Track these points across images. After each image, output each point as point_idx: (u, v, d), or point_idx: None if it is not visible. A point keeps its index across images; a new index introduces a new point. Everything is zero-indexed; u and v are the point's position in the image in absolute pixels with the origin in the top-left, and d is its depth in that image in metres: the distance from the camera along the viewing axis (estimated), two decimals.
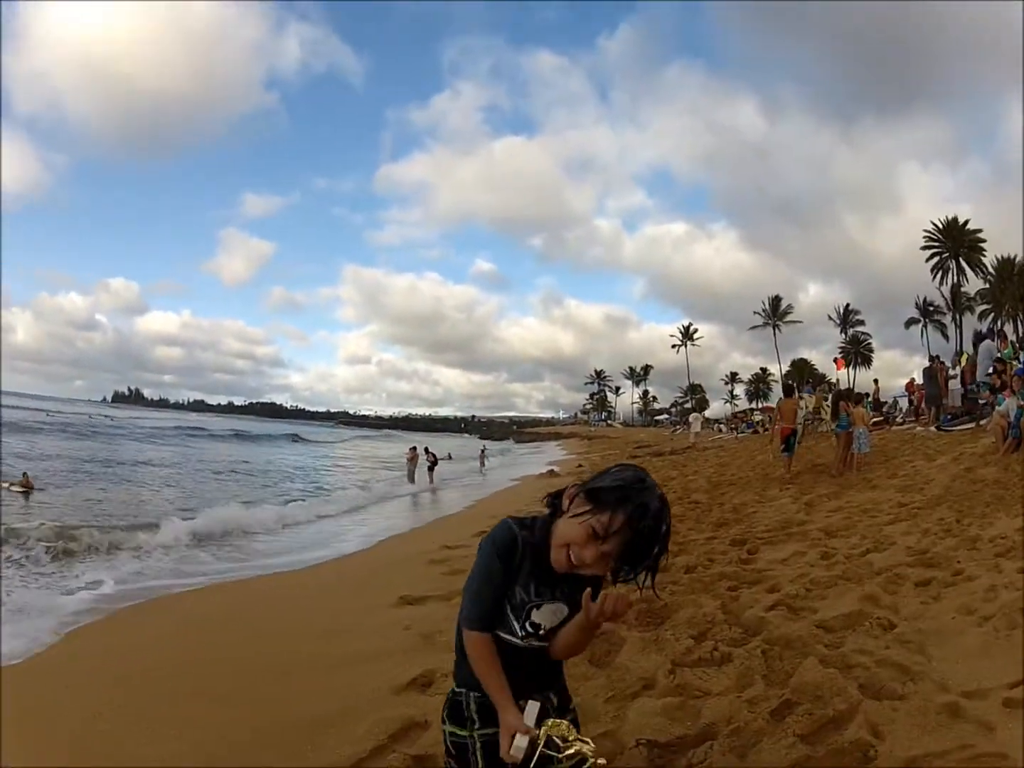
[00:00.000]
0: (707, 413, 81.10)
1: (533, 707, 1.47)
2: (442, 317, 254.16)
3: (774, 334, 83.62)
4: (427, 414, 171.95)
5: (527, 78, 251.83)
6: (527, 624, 1.54)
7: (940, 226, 57.22)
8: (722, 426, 43.99)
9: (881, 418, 20.69)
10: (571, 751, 1.41)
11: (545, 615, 1.54)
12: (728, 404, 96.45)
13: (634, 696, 3.05)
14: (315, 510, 11.94)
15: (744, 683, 3.17)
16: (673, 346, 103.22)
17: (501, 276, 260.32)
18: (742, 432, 32.80)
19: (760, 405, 61.56)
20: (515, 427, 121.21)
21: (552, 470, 20.56)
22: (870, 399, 20.46)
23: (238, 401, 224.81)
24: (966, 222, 56.70)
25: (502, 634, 1.55)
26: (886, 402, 25.46)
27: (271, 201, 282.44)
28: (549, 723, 1.42)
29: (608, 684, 3.21)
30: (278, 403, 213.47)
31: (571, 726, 1.44)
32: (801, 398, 14.27)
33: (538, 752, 1.39)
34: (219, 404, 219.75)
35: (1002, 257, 52.92)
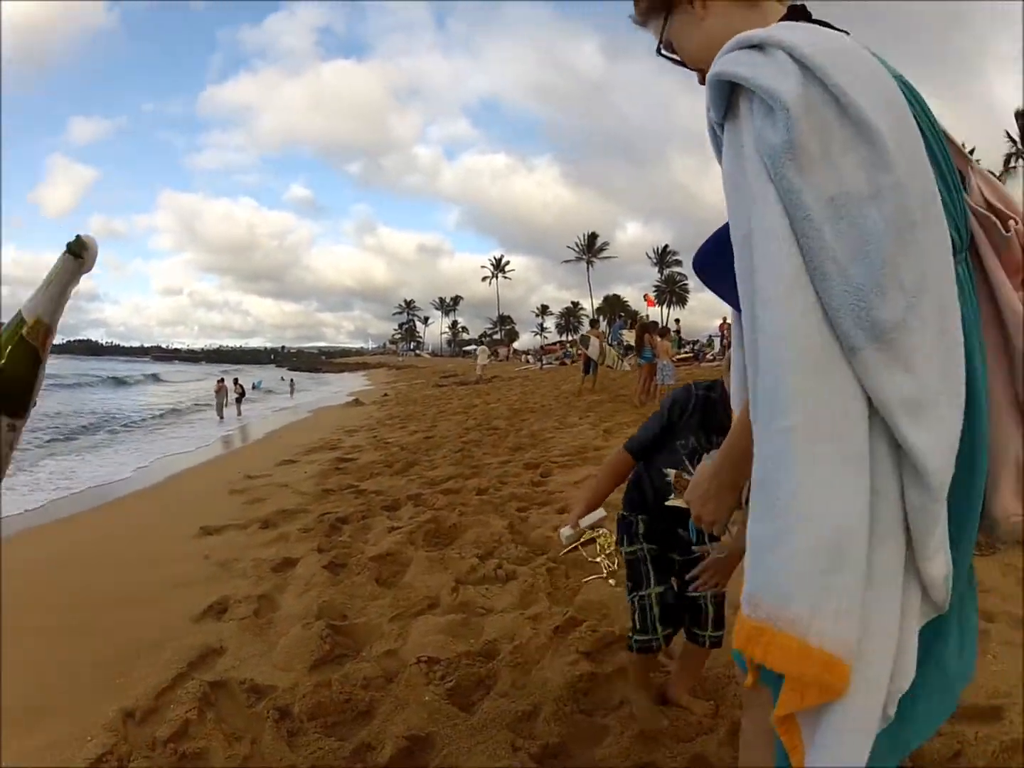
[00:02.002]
0: (516, 345, 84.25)
1: (597, 514, 1.90)
2: (256, 245, 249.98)
3: (587, 269, 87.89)
4: (238, 346, 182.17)
5: (365, 2, 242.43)
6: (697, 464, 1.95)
7: None
8: (529, 357, 45.72)
9: (691, 355, 22.36)
10: (596, 559, 1.96)
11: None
12: (538, 336, 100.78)
13: (418, 614, 3.22)
14: (118, 444, 12.35)
15: (528, 601, 3.26)
16: (484, 278, 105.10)
17: (316, 202, 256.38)
18: (548, 364, 34.12)
19: (570, 338, 64.71)
20: (324, 357, 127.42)
21: (357, 399, 21.52)
22: (676, 334, 21.89)
23: (56, 340, 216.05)
24: None
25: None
26: (697, 340, 27.61)
27: (99, 125, 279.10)
28: (601, 534, 1.84)
29: (393, 603, 3.40)
30: (94, 340, 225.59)
31: (615, 547, 2.05)
32: (588, 338, 15.69)
33: (574, 545, 1.87)
34: None
35: None
